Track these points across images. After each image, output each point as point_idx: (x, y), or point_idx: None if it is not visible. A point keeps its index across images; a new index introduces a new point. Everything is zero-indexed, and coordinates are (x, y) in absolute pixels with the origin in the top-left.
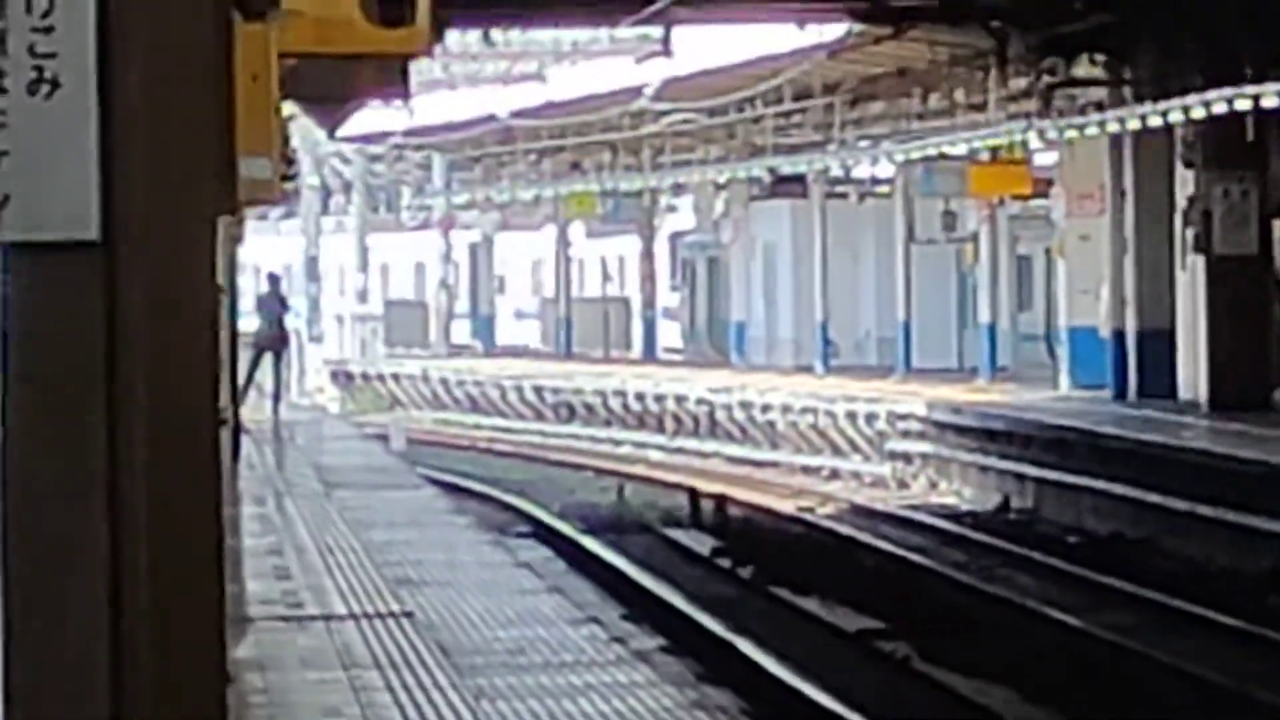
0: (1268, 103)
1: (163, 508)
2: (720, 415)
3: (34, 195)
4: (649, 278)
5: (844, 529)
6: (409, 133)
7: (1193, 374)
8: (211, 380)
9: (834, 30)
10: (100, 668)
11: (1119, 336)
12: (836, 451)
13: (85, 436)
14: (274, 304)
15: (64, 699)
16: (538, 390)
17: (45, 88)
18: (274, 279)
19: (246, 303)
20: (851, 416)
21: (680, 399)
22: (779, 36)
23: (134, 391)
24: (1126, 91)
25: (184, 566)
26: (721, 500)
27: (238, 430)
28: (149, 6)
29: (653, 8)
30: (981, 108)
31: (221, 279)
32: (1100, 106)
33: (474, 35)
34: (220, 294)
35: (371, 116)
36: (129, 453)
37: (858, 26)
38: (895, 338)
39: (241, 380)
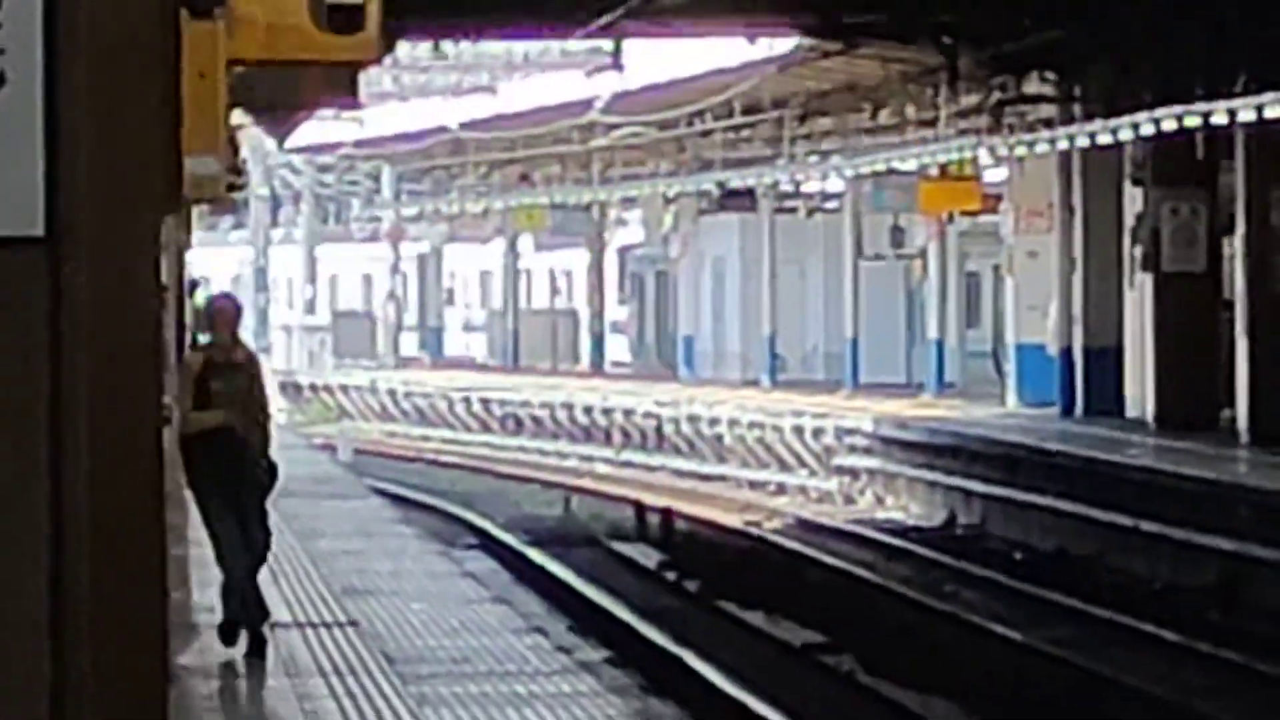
0: (1217, 120)
1: (106, 504)
2: (667, 429)
3: None
4: (597, 291)
5: (790, 543)
6: (359, 144)
7: (1140, 392)
8: (156, 378)
9: (784, 45)
10: (40, 669)
11: (1066, 354)
12: (783, 466)
13: (28, 433)
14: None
15: (3, 700)
16: (485, 402)
17: None
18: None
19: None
20: (798, 431)
21: (628, 412)
22: (729, 51)
23: (77, 388)
24: (1076, 109)
25: (127, 563)
26: (668, 514)
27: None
28: (96, 2)
29: (603, 21)
30: (931, 124)
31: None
32: (1050, 124)
33: (425, 47)
34: (165, 292)
35: (321, 127)
36: (72, 450)
37: (808, 41)
38: (843, 353)
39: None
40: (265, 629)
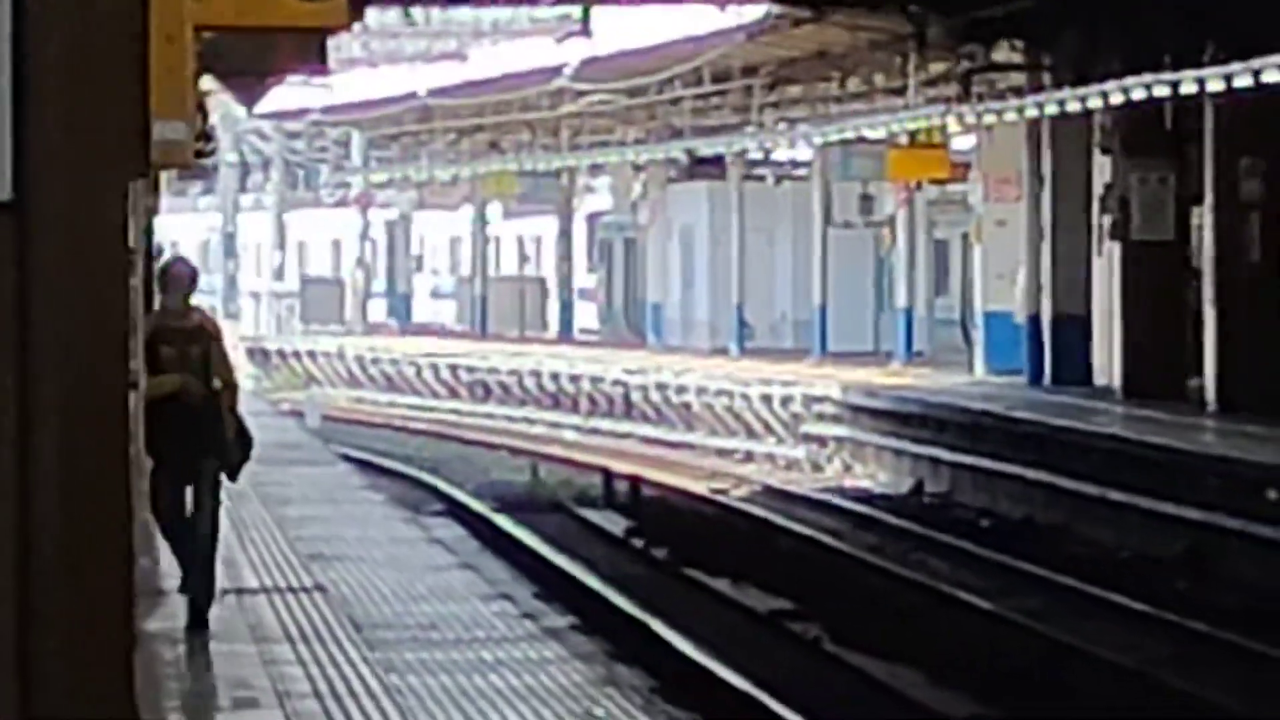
0: (1187, 90)
1: (73, 469)
2: (635, 396)
3: None
4: (566, 258)
5: (757, 511)
6: (328, 110)
7: (1107, 360)
8: (122, 342)
9: (754, 12)
10: (7, 635)
11: (1034, 322)
12: (751, 434)
13: None
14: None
15: None
16: (453, 369)
17: None
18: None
19: None
20: (766, 399)
21: (595, 380)
22: (699, 18)
23: (45, 352)
24: (1045, 77)
25: (93, 528)
26: (635, 481)
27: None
28: None
29: None
30: (900, 92)
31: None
32: (1019, 92)
33: (394, 13)
34: (133, 256)
35: (291, 93)
36: (39, 414)
37: (777, 9)
38: (811, 320)
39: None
40: (211, 606)
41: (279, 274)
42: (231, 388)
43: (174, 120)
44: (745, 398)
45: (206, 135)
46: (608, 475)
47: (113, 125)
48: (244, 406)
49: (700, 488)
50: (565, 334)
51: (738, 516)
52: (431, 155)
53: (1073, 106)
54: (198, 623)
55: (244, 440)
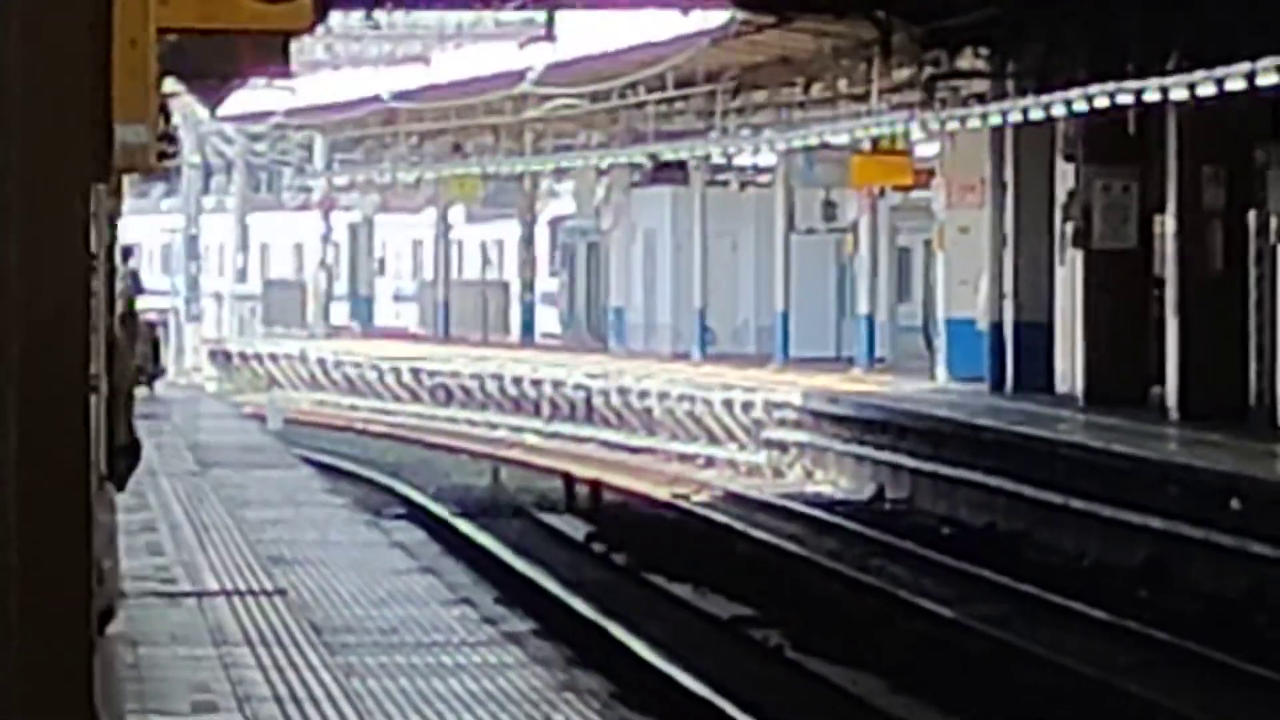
0: (1150, 98)
1: (33, 474)
2: (597, 401)
3: None
4: (529, 262)
5: (719, 516)
6: (291, 113)
7: (1070, 368)
8: (83, 347)
9: (718, 18)
10: None
11: (997, 329)
12: (712, 439)
13: None
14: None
15: None
16: (415, 372)
17: None
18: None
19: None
20: (728, 404)
21: (557, 384)
22: (663, 23)
23: (6, 357)
24: (1009, 85)
25: (54, 533)
26: (596, 485)
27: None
28: None
29: None
30: (864, 98)
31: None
32: (982, 99)
33: (357, 16)
34: (94, 260)
35: (254, 96)
36: (0, 419)
37: (741, 15)
38: (774, 326)
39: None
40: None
41: (241, 276)
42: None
43: (136, 124)
44: (707, 403)
45: (169, 137)
46: (569, 480)
47: (74, 128)
48: (205, 408)
49: (661, 493)
50: (527, 338)
51: (699, 522)
52: (394, 158)
53: (1036, 114)
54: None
55: (131, 448)
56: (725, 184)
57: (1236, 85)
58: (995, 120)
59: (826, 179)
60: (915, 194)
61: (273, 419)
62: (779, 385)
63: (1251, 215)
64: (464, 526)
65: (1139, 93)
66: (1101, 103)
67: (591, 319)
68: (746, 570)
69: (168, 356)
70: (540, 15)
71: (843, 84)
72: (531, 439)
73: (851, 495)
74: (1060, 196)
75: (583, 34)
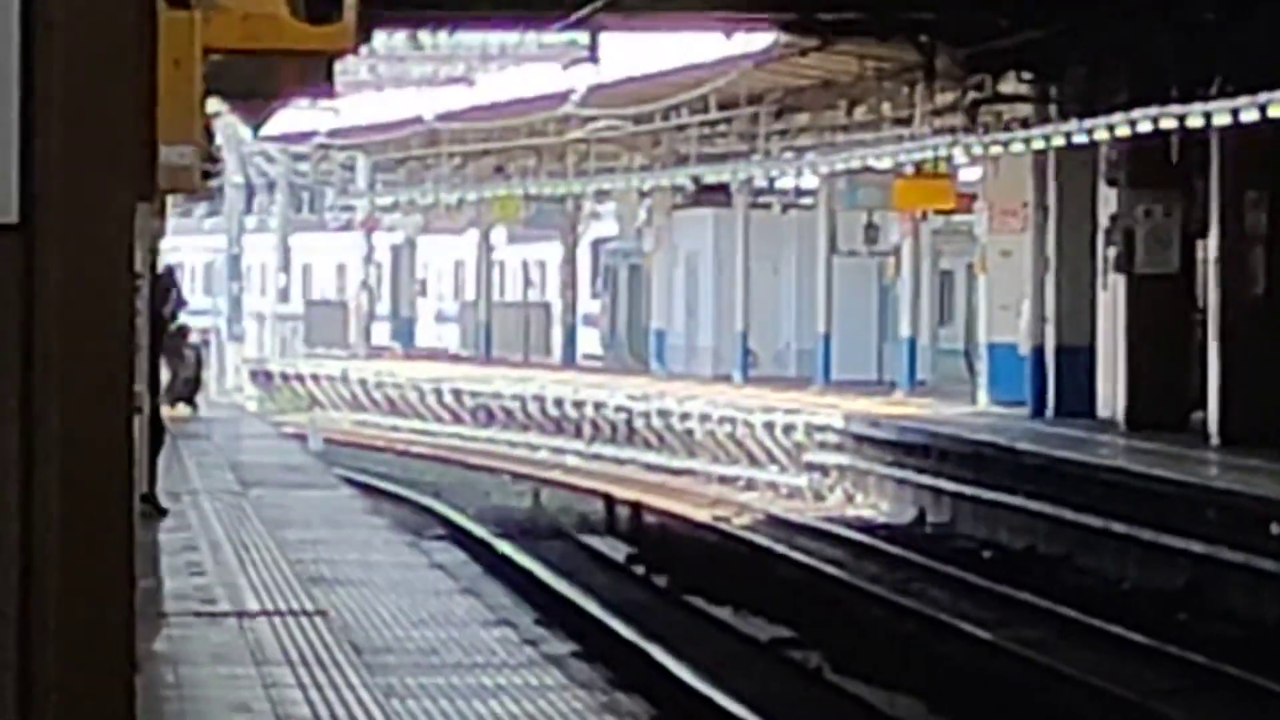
0: (1193, 123)
1: (76, 493)
2: (638, 423)
3: None
4: (570, 283)
5: (759, 539)
6: (334, 133)
7: (1111, 392)
8: (127, 367)
9: (761, 41)
10: (7, 658)
11: (1038, 353)
12: (753, 461)
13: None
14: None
15: None
16: (456, 393)
17: None
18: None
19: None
20: (769, 427)
21: (599, 405)
22: (706, 46)
23: (49, 376)
24: (1052, 109)
25: (96, 552)
26: (637, 507)
27: (157, 425)
28: None
29: (580, 13)
30: (907, 122)
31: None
32: (1025, 123)
33: (401, 37)
34: (139, 280)
35: (297, 116)
36: (43, 439)
37: (785, 37)
38: (815, 349)
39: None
40: None
41: (283, 296)
42: None
43: (181, 145)
44: (748, 425)
45: (212, 157)
46: (609, 501)
47: (119, 148)
48: (246, 428)
49: (702, 515)
50: (569, 360)
51: (739, 544)
52: (437, 179)
53: (1079, 138)
54: None
55: None
56: (768, 206)
57: (1279, 111)
58: (1038, 144)
59: (869, 202)
60: (957, 218)
61: (314, 439)
62: (820, 408)
63: None
64: (504, 548)
65: (1181, 117)
66: (1144, 127)
67: (633, 341)
68: (787, 592)
69: (209, 376)
70: (584, 37)
71: (886, 107)
72: (572, 460)
73: (892, 519)
74: (1103, 221)
75: (626, 56)
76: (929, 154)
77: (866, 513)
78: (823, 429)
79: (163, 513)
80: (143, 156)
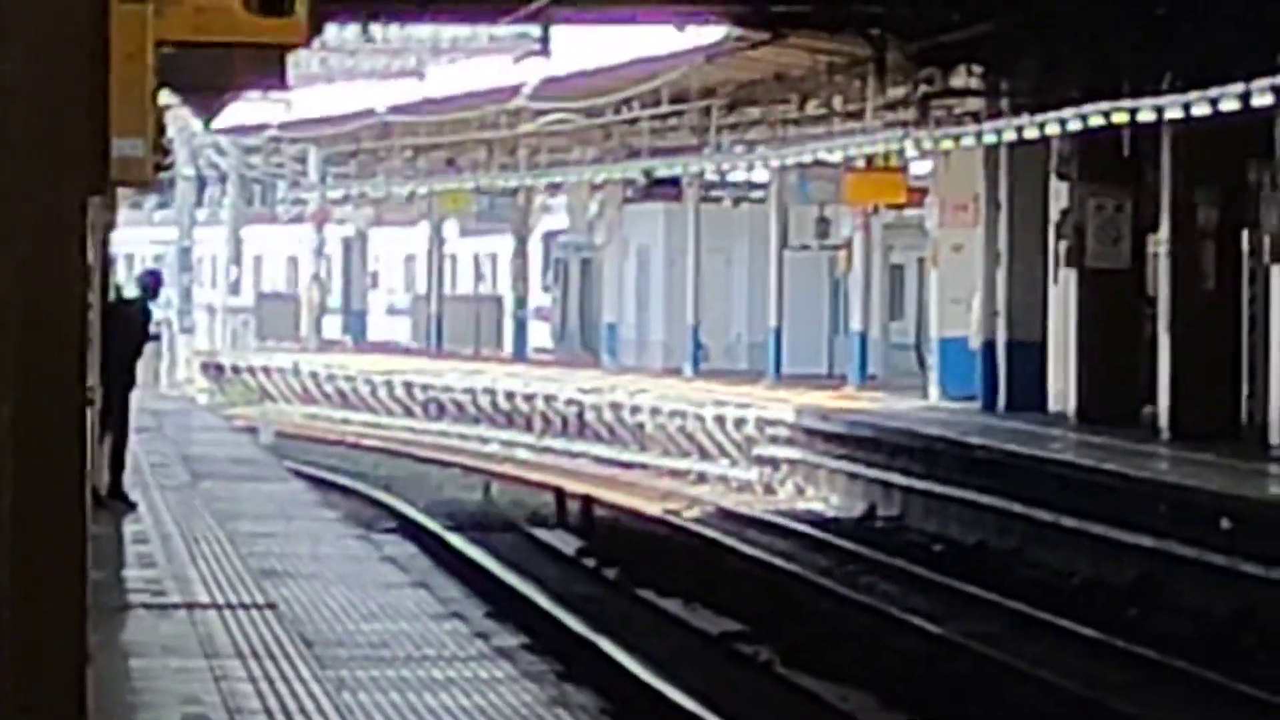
0: (1144, 118)
1: (29, 485)
2: (589, 416)
3: None
4: (521, 277)
5: (710, 532)
6: (285, 126)
7: (1062, 387)
8: (79, 359)
9: (712, 34)
10: None
11: (989, 347)
12: (704, 455)
13: None
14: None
15: None
16: (407, 386)
17: None
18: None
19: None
20: (720, 420)
21: (549, 399)
22: (658, 39)
23: (2, 369)
24: (1003, 103)
25: (49, 544)
26: (588, 500)
27: (105, 418)
28: None
29: (532, 6)
30: (858, 115)
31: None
32: (976, 117)
33: (353, 30)
34: (90, 273)
35: (248, 108)
36: None
37: (736, 31)
38: (766, 343)
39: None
40: None
41: (234, 289)
42: None
43: (133, 137)
44: (699, 419)
45: (164, 149)
46: (560, 495)
47: (71, 142)
48: (197, 420)
49: (653, 508)
50: (520, 353)
51: (690, 537)
52: (388, 172)
53: (1030, 133)
54: None
55: None
56: (719, 200)
57: (1230, 105)
58: (989, 139)
59: (820, 196)
60: (909, 212)
61: (265, 432)
62: (771, 402)
63: (1244, 235)
64: (455, 541)
65: (1133, 112)
66: (1096, 122)
67: (584, 334)
68: (737, 586)
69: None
70: (535, 30)
71: (837, 101)
72: (523, 453)
73: (843, 512)
74: (1054, 215)
75: (578, 49)
76: (880, 148)
77: (817, 506)
78: (773, 423)
79: (132, 506)
80: (94, 149)
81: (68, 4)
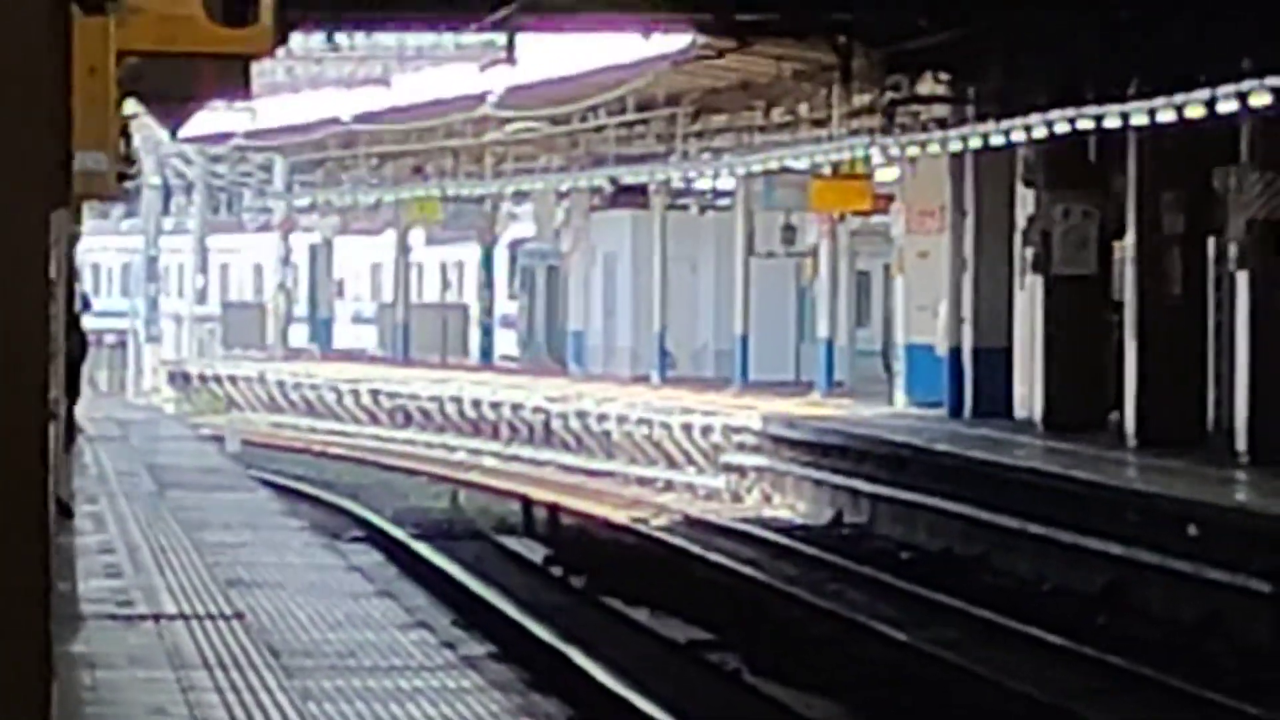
0: (1110, 124)
1: None
2: (556, 424)
3: None
4: (488, 285)
5: (677, 540)
6: (251, 134)
7: (1028, 393)
8: (43, 372)
9: (678, 41)
10: None
11: (956, 354)
12: (671, 463)
13: None
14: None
15: None
16: (374, 395)
17: None
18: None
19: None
20: (687, 428)
21: (516, 407)
22: (623, 47)
23: None
24: (969, 110)
25: (11, 555)
26: (554, 509)
27: (72, 427)
28: None
29: (498, 14)
30: (824, 123)
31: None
32: (943, 124)
33: (318, 38)
34: (53, 287)
35: (214, 117)
36: None
37: (702, 39)
38: (733, 350)
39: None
40: None
41: (201, 298)
42: None
43: (96, 150)
44: (666, 427)
45: (129, 159)
46: (527, 503)
47: (34, 155)
48: (164, 429)
49: (620, 516)
50: (486, 361)
51: (657, 545)
52: (354, 180)
53: (996, 139)
54: None
55: None
56: (685, 208)
57: (1196, 112)
58: (955, 146)
59: (786, 203)
60: (875, 219)
61: (231, 441)
62: (738, 409)
63: (1211, 241)
64: (422, 549)
65: (1099, 118)
66: (1062, 128)
67: (551, 342)
68: (704, 594)
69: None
70: (501, 38)
71: (803, 108)
72: (490, 462)
73: (810, 520)
74: (1020, 222)
75: (543, 57)
76: (846, 155)
77: (784, 514)
78: (740, 430)
79: (69, 514)
80: (57, 163)
81: (27, 18)
